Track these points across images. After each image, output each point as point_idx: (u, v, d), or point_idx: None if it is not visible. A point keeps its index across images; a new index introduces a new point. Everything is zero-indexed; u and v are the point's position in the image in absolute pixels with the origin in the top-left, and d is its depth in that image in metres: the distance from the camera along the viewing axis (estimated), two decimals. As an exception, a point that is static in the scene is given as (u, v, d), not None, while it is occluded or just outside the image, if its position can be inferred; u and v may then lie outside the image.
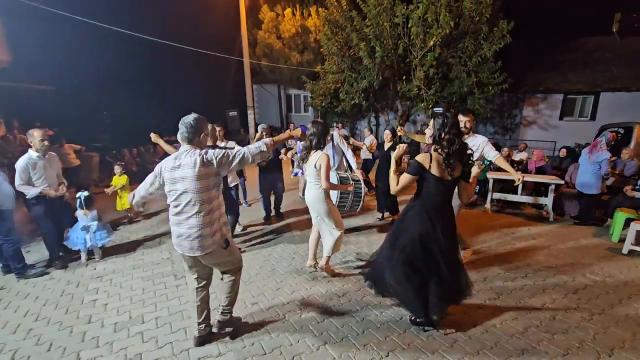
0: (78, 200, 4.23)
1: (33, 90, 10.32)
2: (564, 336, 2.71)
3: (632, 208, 4.86)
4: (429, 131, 2.57)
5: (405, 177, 2.52)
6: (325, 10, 10.83)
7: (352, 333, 2.75)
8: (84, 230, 4.10)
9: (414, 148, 5.56)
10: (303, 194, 6.89)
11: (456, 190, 2.63)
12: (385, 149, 5.23)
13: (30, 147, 3.78)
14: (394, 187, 2.57)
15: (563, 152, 7.78)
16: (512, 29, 8.75)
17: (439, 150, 2.41)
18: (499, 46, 8.80)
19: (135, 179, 9.22)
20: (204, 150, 2.29)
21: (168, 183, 2.30)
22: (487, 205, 6.20)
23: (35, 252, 4.56)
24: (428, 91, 9.56)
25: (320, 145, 3.34)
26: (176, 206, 2.29)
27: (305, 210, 6.03)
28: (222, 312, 2.71)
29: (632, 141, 7.63)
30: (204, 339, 2.62)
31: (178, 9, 13.76)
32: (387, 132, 5.33)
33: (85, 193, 4.26)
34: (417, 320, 2.75)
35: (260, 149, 2.35)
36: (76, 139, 8.46)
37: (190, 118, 2.31)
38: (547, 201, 5.79)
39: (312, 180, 3.39)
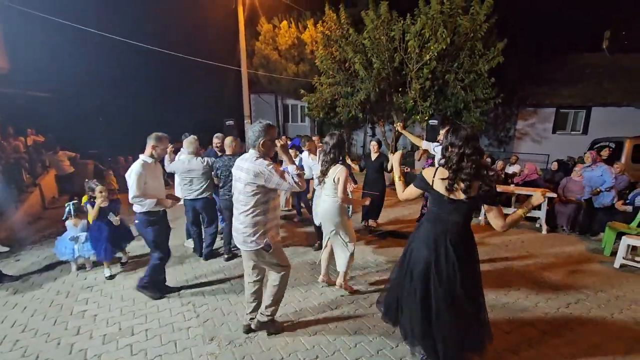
0: (67, 209, 4.17)
1: (29, 97, 10.32)
2: (556, 350, 2.71)
3: (623, 222, 4.91)
4: (439, 146, 2.41)
5: (411, 189, 2.36)
6: (322, 25, 11.01)
7: (344, 346, 2.73)
8: (73, 241, 4.04)
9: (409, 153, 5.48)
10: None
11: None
12: (372, 159, 5.35)
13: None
14: (400, 194, 2.45)
15: (554, 166, 7.89)
16: (507, 45, 8.98)
17: (445, 166, 2.14)
18: (493, 63, 9.00)
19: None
20: (263, 162, 2.41)
21: (233, 179, 2.59)
22: (481, 217, 6.24)
23: (25, 260, 4.51)
24: (423, 103, 9.69)
25: (339, 158, 3.30)
26: (235, 201, 2.58)
27: (292, 224, 6.04)
28: (261, 312, 2.82)
29: (622, 156, 7.77)
30: (249, 329, 2.88)
31: (177, 19, 13.93)
32: (374, 142, 5.46)
33: (75, 201, 4.23)
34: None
35: (293, 185, 2.44)
36: (71, 146, 8.44)
37: (255, 124, 2.51)
38: (540, 214, 5.85)
39: (329, 193, 3.34)
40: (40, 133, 9.28)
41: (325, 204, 3.39)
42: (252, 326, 2.87)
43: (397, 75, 10.07)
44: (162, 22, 13.14)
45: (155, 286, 3.54)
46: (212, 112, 14.76)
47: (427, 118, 9.72)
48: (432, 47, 8.87)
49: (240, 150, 4.22)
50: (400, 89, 10.07)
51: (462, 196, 2.07)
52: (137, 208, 3.27)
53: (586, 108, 12.24)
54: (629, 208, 5.10)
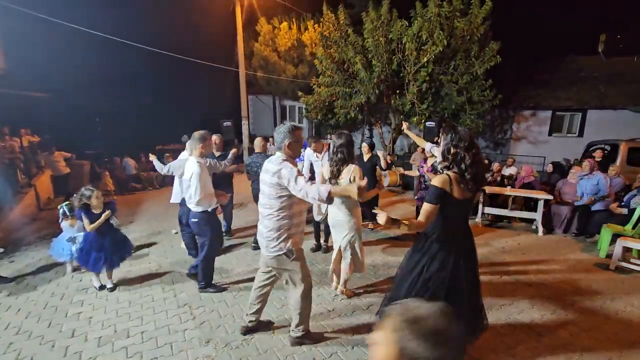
0: (61, 210, 4.11)
1: (26, 97, 10.26)
2: (552, 353, 2.72)
3: (618, 224, 4.94)
4: (438, 149, 2.39)
5: (429, 209, 2.14)
6: (321, 26, 11.03)
7: (341, 349, 2.72)
8: (70, 242, 4.01)
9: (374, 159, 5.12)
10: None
11: None
12: (365, 160, 5.43)
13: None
14: (420, 225, 2.16)
15: (550, 168, 7.93)
16: (503, 48, 9.03)
17: (453, 168, 2.16)
18: (489, 65, 9.04)
19: (126, 188, 9.18)
20: (288, 165, 2.37)
21: (261, 183, 2.57)
22: (478, 219, 6.25)
23: (19, 262, 4.47)
24: (421, 105, 9.73)
25: (350, 158, 3.21)
26: (260, 206, 2.58)
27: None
28: (292, 330, 2.73)
29: (618, 158, 7.82)
30: (248, 330, 2.87)
31: (175, 20, 13.90)
32: (365, 145, 5.53)
33: (69, 202, 4.19)
34: None
35: (317, 196, 2.18)
36: (68, 146, 8.40)
37: (281, 126, 2.51)
38: (537, 216, 5.87)
39: None
40: (36, 133, 9.22)
41: (339, 207, 3.26)
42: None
43: (395, 77, 10.11)
44: (160, 23, 13.08)
45: (211, 283, 3.66)
46: (209, 113, 14.73)
47: (423, 120, 9.77)
48: (429, 50, 8.92)
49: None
50: (397, 91, 10.11)
51: (469, 194, 2.16)
52: (198, 208, 3.33)
53: (582, 111, 12.32)
54: (624, 210, 5.13)
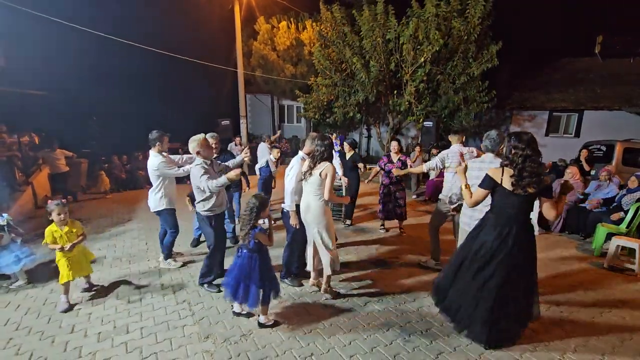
0: (3, 221, 3.90)
1: (24, 95, 10.23)
2: (546, 348, 2.76)
3: (612, 223, 5.00)
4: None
5: (479, 191, 2.66)
6: (319, 25, 11.06)
7: (338, 344, 2.76)
8: (12, 251, 3.85)
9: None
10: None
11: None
12: (347, 158, 5.68)
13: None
14: (468, 200, 2.76)
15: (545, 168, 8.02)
16: (500, 49, 9.09)
17: (509, 165, 2.51)
18: (487, 66, 9.10)
19: (124, 187, 9.16)
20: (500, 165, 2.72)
21: (472, 178, 2.97)
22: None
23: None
24: (418, 105, 9.78)
25: (329, 158, 3.23)
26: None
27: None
28: None
29: (613, 158, 7.90)
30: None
31: (174, 19, 13.88)
32: (346, 144, 5.76)
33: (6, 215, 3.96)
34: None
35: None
36: (65, 144, 8.37)
37: (493, 133, 3.16)
38: (533, 215, 5.91)
39: (313, 190, 3.24)
40: (33, 131, 9.18)
41: (310, 203, 3.29)
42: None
43: (392, 77, 10.16)
44: (159, 22, 13.04)
45: (289, 275, 3.80)
46: (208, 112, 14.71)
47: (421, 120, 9.84)
48: (425, 50, 8.96)
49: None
50: (395, 91, 10.16)
51: (528, 191, 2.44)
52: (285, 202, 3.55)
53: (578, 111, 12.42)
54: (622, 214, 5.13)
